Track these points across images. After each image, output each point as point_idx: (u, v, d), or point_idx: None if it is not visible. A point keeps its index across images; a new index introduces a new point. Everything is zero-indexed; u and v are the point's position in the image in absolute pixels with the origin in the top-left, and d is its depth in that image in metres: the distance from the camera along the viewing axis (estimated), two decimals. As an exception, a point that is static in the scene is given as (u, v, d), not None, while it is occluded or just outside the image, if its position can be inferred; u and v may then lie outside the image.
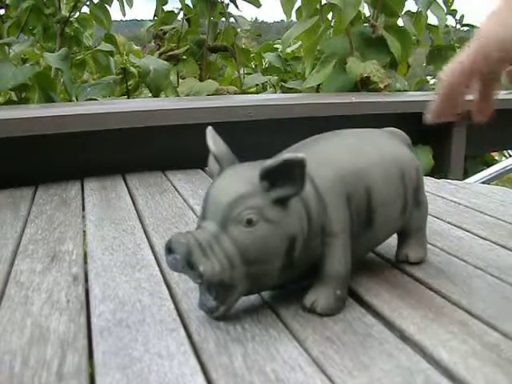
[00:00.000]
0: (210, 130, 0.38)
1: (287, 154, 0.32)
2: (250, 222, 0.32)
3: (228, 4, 2.13)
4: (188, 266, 0.31)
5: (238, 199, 0.33)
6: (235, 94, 1.88)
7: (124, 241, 0.52)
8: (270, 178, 0.33)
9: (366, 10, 1.79)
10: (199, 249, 0.32)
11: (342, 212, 0.36)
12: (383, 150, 0.40)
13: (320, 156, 0.37)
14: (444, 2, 2.05)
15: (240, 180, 0.34)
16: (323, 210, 0.35)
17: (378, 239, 0.41)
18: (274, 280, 0.34)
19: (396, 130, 0.45)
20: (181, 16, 2.30)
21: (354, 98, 1.08)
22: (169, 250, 0.33)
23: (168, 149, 0.89)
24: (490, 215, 0.61)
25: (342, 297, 0.36)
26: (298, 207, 0.34)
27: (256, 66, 2.62)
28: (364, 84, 1.45)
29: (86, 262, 0.47)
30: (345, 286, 0.36)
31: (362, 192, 0.37)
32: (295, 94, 1.73)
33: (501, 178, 1.45)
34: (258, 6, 2.10)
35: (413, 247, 0.45)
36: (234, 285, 0.33)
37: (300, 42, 2.15)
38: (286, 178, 0.32)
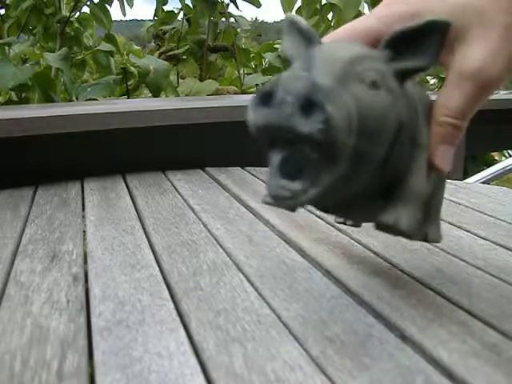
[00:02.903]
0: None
1: (428, 18, 0.27)
2: (374, 84, 0.26)
3: (228, 4, 2.13)
4: (305, 109, 0.23)
5: (362, 57, 0.27)
6: (235, 93, 1.88)
7: (124, 241, 0.52)
8: (396, 46, 0.28)
9: (365, 10, 1.79)
10: (321, 89, 0.23)
11: (427, 125, 0.31)
12: None
13: None
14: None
15: (356, 44, 0.28)
16: (415, 117, 0.29)
17: None
18: (365, 177, 0.28)
19: None
20: (181, 16, 2.30)
21: None
22: (269, 94, 0.24)
23: (168, 149, 0.89)
24: (489, 215, 0.61)
25: (421, 223, 0.31)
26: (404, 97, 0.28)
27: (256, 65, 2.62)
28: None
29: (86, 262, 0.47)
30: (423, 213, 0.31)
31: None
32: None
33: (501, 178, 1.45)
34: (258, 5, 2.10)
35: (432, 227, 0.40)
36: (340, 156, 0.25)
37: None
38: (418, 47, 0.27)
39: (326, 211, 0.33)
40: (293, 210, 0.28)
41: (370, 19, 0.31)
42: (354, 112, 0.24)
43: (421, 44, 0.27)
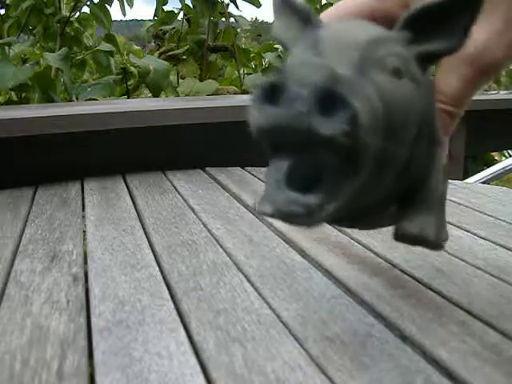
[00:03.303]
0: None
1: None
2: (397, 72, 0.22)
3: (228, 4, 2.13)
4: (325, 105, 0.18)
5: (381, 39, 0.22)
6: (235, 93, 1.88)
7: (124, 241, 0.52)
8: (417, 26, 0.23)
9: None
10: (344, 81, 0.19)
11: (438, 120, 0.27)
12: None
13: None
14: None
15: (369, 24, 0.24)
16: (431, 110, 0.25)
17: None
18: (387, 183, 0.24)
19: None
20: (181, 16, 2.30)
21: None
22: (276, 88, 0.19)
23: (168, 149, 0.89)
24: (489, 215, 0.61)
25: (444, 230, 0.28)
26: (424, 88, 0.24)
27: (256, 65, 2.62)
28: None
29: (86, 262, 0.47)
30: (444, 217, 0.28)
31: None
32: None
33: (501, 178, 1.45)
34: (258, 6, 2.10)
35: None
36: (365, 161, 0.20)
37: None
38: (445, 25, 0.23)
39: (333, 222, 0.29)
40: (307, 227, 0.22)
41: None
42: (380, 107, 0.20)
43: (449, 20, 0.23)
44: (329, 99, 0.18)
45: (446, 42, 0.23)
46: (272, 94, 0.19)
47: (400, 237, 0.26)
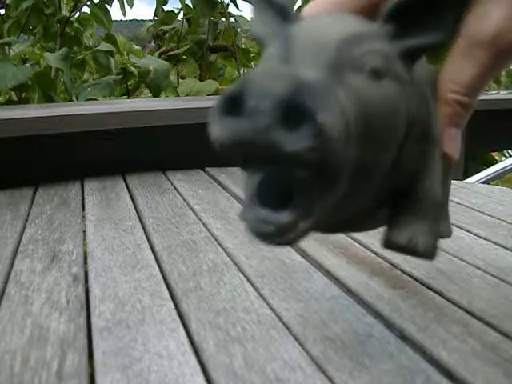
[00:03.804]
0: None
1: None
2: (376, 73, 0.20)
3: (228, 4, 2.13)
4: (288, 118, 0.17)
5: (358, 35, 0.20)
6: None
7: (124, 241, 0.52)
8: (402, 18, 0.21)
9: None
10: (310, 90, 0.17)
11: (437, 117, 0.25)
12: None
13: None
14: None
15: (347, 18, 0.22)
16: (426, 106, 0.23)
17: None
18: (370, 191, 0.22)
19: None
20: (181, 16, 2.30)
21: None
22: (236, 99, 0.17)
23: (168, 149, 0.89)
24: (489, 215, 0.61)
25: (437, 237, 0.25)
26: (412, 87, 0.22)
27: (256, 65, 2.62)
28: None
29: (85, 262, 0.47)
30: (440, 222, 0.26)
31: None
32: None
33: (501, 178, 1.45)
34: (258, 6, 2.10)
35: (443, 221, 0.34)
36: (339, 174, 0.19)
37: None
38: (433, 16, 0.21)
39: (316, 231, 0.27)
40: (280, 245, 0.20)
41: None
42: (354, 114, 0.18)
43: (437, 11, 0.21)
44: (292, 111, 0.17)
45: (434, 35, 0.21)
46: (232, 105, 0.17)
47: (388, 245, 0.25)
